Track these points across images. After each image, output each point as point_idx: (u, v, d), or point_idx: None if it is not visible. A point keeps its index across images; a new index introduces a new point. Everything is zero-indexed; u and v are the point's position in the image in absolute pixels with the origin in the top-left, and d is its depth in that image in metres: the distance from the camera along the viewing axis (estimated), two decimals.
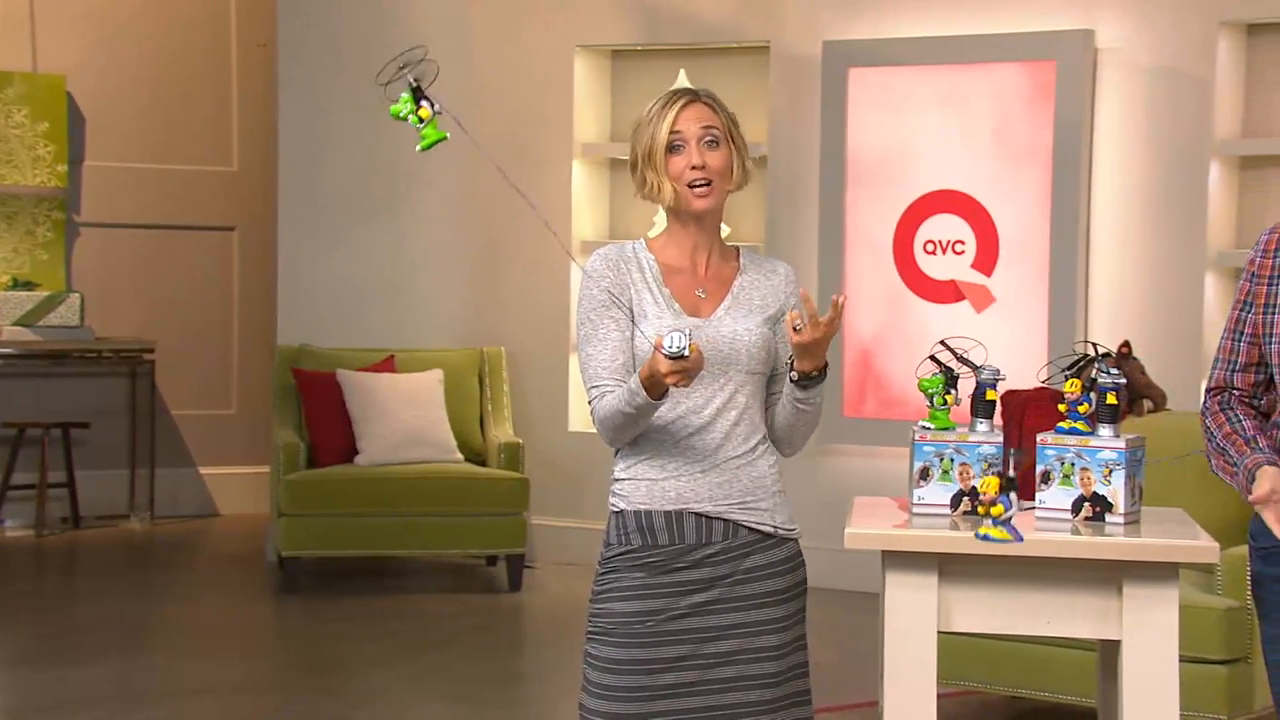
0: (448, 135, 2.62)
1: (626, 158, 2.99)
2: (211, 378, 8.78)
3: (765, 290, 2.95)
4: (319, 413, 7.02)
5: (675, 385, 2.71)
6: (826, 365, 2.86)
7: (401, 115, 2.63)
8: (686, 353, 2.66)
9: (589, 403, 2.90)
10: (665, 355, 2.66)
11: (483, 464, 7.12)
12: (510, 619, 6.64)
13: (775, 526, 2.91)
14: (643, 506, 2.88)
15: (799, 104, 7.05)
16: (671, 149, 2.87)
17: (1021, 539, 3.05)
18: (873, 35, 6.91)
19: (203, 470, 8.74)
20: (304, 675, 5.70)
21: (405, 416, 6.97)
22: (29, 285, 8.25)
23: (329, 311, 7.65)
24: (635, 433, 2.85)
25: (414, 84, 2.60)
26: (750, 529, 2.89)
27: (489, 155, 3.04)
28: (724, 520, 2.87)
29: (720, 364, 2.86)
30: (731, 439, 2.88)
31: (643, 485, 2.88)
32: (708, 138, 2.86)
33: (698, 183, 2.87)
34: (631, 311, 2.87)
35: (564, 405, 7.50)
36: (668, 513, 2.86)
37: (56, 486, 8.20)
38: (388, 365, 7.20)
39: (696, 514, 2.87)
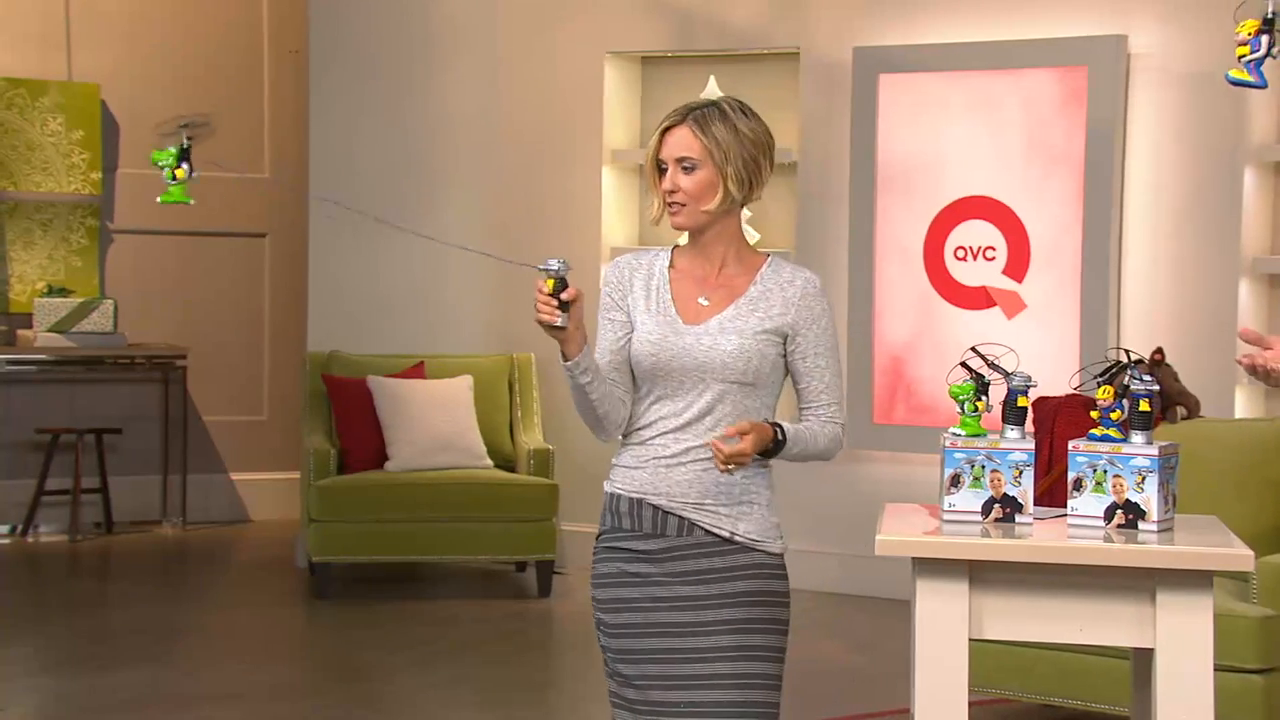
0: (191, 200, 2.83)
1: None
2: (243, 384, 8.81)
3: (775, 303, 3.05)
4: (350, 419, 7.04)
5: (547, 323, 2.86)
6: (780, 442, 2.94)
7: (159, 164, 2.81)
8: (554, 269, 2.83)
9: None
10: (539, 269, 2.86)
11: (512, 470, 7.13)
12: (540, 625, 6.64)
13: (732, 533, 3.01)
14: (616, 490, 3.06)
15: (829, 110, 7.04)
16: (659, 169, 3.06)
17: (1264, 84, 3.11)
18: (903, 41, 6.89)
19: (234, 476, 8.78)
20: (334, 681, 5.71)
21: (435, 422, 6.98)
22: (63, 292, 8.29)
23: (360, 317, 7.67)
24: (591, 412, 3.00)
25: (186, 144, 2.79)
26: (706, 530, 3.01)
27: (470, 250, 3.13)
28: (678, 517, 3.01)
29: (696, 371, 3.00)
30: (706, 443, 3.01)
31: (619, 471, 3.07)
32: (684, 164, 3.02)
33: (671, 204, 3.04)
34: (630, 317, 3.06)
35: None
36: (631, 499, 3.03)
37: (90, 492, 8.25)
38: (418, 371, 7.21)
39: (654, 506, 3.02)
